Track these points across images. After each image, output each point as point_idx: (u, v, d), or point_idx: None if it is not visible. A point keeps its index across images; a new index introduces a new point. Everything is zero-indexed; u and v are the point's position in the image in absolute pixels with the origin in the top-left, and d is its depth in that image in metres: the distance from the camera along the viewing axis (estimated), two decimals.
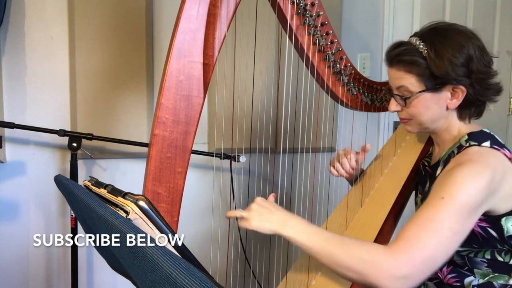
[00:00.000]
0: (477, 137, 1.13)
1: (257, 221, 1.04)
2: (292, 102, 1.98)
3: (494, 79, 1.15)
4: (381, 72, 2.38)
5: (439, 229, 0.99)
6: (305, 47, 1.22)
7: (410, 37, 1.17)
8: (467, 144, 1.12)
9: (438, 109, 1.15)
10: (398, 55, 1.14)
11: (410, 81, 1.13)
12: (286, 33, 1.20)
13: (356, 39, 2.33)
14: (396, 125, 2.37)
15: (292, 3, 1.15)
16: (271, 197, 1.14)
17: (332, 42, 1.25)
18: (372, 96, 1.39)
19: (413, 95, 1.13)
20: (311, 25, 1.20)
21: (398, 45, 1.16)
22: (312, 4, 1.17)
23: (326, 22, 1.21)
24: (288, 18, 1.16)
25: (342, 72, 1.30)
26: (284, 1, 1.15)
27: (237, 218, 1.08)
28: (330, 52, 1.25)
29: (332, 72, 1.29)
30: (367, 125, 1.80)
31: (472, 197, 1.01)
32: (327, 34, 1.23)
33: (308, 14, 1.18)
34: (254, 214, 1.04)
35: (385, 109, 1.45)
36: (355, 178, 1.47)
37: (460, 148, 1.13)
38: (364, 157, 1.45)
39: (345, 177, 1.45)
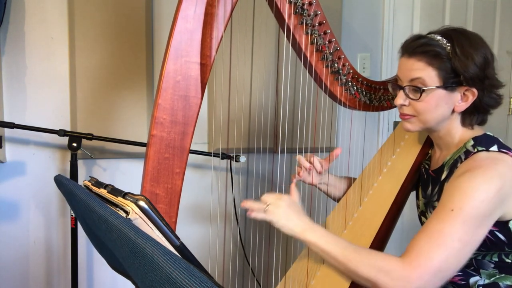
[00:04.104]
0: (483, 142, 1.13)
1: (281, 218, 1.08)
2: (290, 101, 1.98)
3: (499, 91, 1.16)
4: (381, 72, 2.37)
5: (449, 242, 1.00)
6: (303, 47, 1.21)
7: (428, 33, 1.16)
8: (475, 150, 1.11)
9: (447, 110, 1.15)
10: (423, 45, 1.12)
11: (429, 74, 1.11)
12: (284, 33, 1.20)
13: (356, 39, 2.33)
14: (395, 125, 2.37)
15: (290, 2, 1.15)
16: (293, 186, 1.18)
17: (330, 42, 1.24)
18: (371, 96, 1.39)
19: (428, 89, 1.12)
20: (309, 25, 1.19)
21: (420, 37, 1.15)
22: (310, 4, 1.17)
23: (324, 22, 1.21)
24: (286, 17, 1.16)
25: (340, 71, 1.29)
26: (282, 1, 1.14)
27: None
28: (328, 52, 1.25)
29: (330, 71, 1.29)
30: (365, 125, 1.80)
31: (481, 209, 1.01)
32: (325, 33, 1.23)
33: (305, 13, 1.17)
34: (281, 212, 1.08)
35: (383, 108, 1.45)
36: (324, 185, 1.46)
37: (468, 153, 1.12)
38: (329, 164, 1.41)
39: (312, 184, 1.44)
